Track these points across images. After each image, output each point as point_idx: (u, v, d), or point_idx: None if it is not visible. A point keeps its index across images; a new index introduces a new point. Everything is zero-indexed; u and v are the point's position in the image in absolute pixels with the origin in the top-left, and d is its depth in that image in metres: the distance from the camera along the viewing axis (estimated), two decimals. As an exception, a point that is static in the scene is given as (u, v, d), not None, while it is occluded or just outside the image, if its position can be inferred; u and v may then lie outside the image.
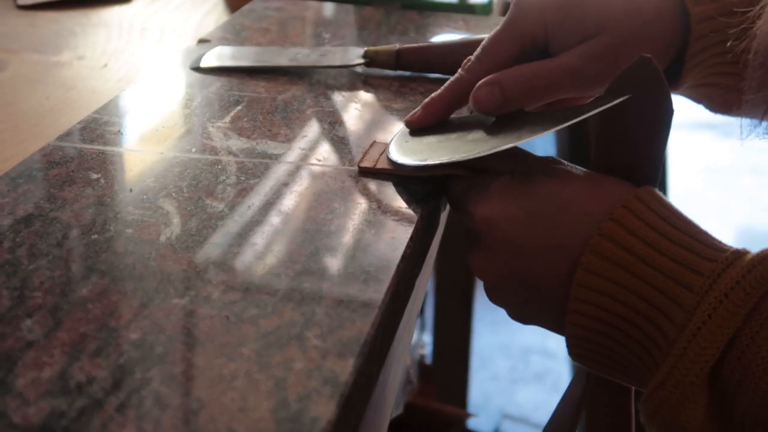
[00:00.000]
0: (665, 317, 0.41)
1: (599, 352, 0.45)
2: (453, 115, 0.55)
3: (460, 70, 0.53)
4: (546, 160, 0.49)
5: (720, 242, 0.43)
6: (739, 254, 0.41)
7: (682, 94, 0.57)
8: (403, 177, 0.50)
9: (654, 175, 0.47)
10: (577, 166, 0.48)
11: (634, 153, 0.47)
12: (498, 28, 0.53)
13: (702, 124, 3.37)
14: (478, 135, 0.50)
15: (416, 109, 0.54)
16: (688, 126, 3.34)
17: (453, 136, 0.51)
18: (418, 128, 0.54)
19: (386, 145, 0.53)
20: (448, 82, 0.54)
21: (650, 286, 0.42)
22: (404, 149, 0.52)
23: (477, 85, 0.51)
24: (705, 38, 0.51)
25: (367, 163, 0.51)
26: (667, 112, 0.46)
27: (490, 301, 0.50)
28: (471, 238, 0.49)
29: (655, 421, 0.42)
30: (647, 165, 0.47)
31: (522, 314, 0.49)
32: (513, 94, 0.50)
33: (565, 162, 0.49)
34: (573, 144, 1.36)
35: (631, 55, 0.47)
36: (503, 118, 0.51)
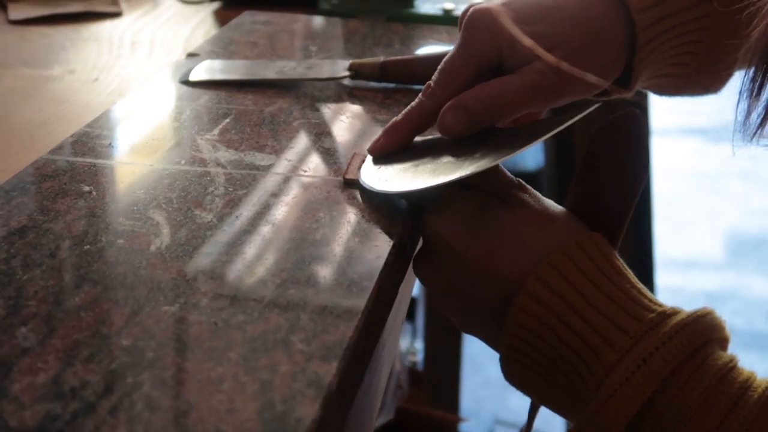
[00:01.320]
0: (586, 368, 0.43)
1: (529, 385, 0.46)
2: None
3: (420, 96, 0.53)
4: (512, 184, 0.49)
5: (651, 301, 0.44)
6: (666, 316, 0.42)
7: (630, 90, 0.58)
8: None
9: (619, 224, 0.48)
10: (540, 197, 0.49)
11: (605, 199, 0.48)
12: (452, 51, 0.52)
13: (690, 130, 3.39)
14: (450, 157, 0.50)
15: (378, 136, 0.54)
16: (677, 131, 3.36)
17: (425, 160, 0.51)
18: (381, 155, 0.54)
19: (365, 155, 0.55)
20: (408, 108, 0.54)
21: (576, 335, 0.43)
22: (378, 175, 0.52)
23: (442, 110, 0.50)
24: (651, 42, 0.51)
25: (351, 175, 0.53)
26: (644, 167, 0.48)
27: (434, 305, 0.51)
28: (423, 243, 0.51)
29: None
30: (615, 212, 0.48)
31: (463, 324, 0.51)
32: (479, 115, 0.50)
33: (531, 191, 0.49)
34: (560, 153, 1.37)
35: (584, 66, 0.48)
36: (471, 138, 0.51)
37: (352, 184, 0.52)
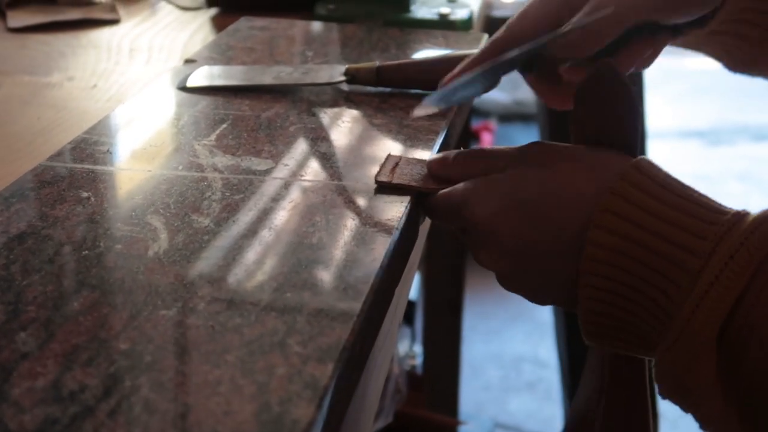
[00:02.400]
0: (671, 282, 0.43)
1: (610, 324, 0.46)
2: None
3: (499, 30, 0.55)
4: (529, 148, 0.50)
5: (720, 205, 0.44)
6: (740, 216, 0.43)
7: (701, 47, 0.57)
8: (397, 190, 0.52)
9: (632, 147, 0.49)
10: (561, 144, 0.50)
11: (609, 133, 0.49)
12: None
13: (690, 132, 3.40)
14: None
15: (455, 70, 0.56)
16: (676, 134, 3.37)
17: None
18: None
19: (399, 157, 0.56)
20: (487, 42, 0.56)
21: (654, 254, 0.43)
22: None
23: None
24: None
25: (384, 177, 0.53)
26: (631, 102, 0.49)
27: (504, 288, 0.51)
28: (471, 237, 0.51)
29: (666, 381, 0.43)
30: (624, 140, 0.49)
31: (536, 297, 0.51)
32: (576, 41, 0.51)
33: (550, 144, 0.50)
34: (554, 137, 1.38)
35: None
36: None
37: (383, 187, 0.53)
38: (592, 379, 0.54)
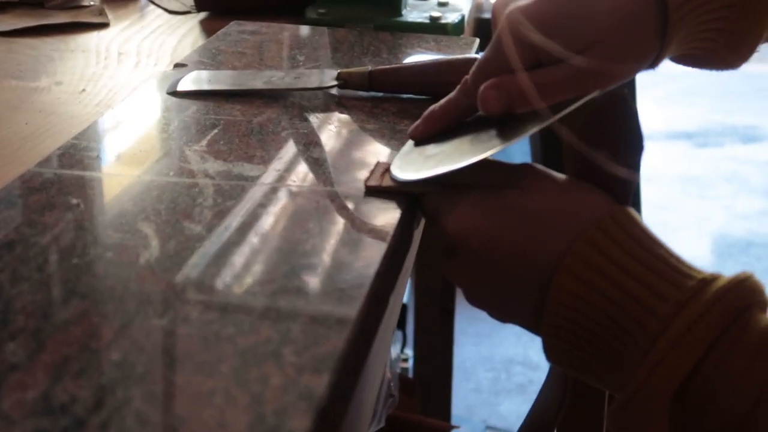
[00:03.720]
0: (631, 338, 0.43)
1: (571, 361, 0.47)
2: None
3: (457, 90, 0.55)
4: (519, 169, 0.50)
5: (689, 268, 0.44)
6: (706, 282, 0.43)
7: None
8: (387, 193, 0.52)
9: (627, 192, 0.49)
10: (552, 173, 0.50)
11: (607, 173, 0.49)
12: (489, 49, 0.53)
13: (678, 134, 3.41)
14: (473, 141, 0.52)
15: (418, 122, 0.56)
16: (664, 136, 3.38)
17: (450, 145, 0.54)
18: (420, 139, 0.56)
19: (389, 164, 0.55)
20: (445, 100, 0.56)
21: (617, 307, 0.44)
22: (405, 161, 0.54)
23: (483, 86, 0.51)
24: (681, 21, 0.51)
25: (373, 182, 0.53)
26: (638, 144, 0.49)
27: (470, 304, 0.52)
28: (445, 247, 0.51)
29: None
30: (619, 184, 0.49)
31: (500, 316, 0.51)
32: (518, 99, 0.50)
33: (541, 169, 0.50)
34: (546, 149, 1.38)
35: (624, 59, 0.49)
36: (495, 121, 0.53)
37: (373, 192, 0.52)
38: (554, 386, 0.54)
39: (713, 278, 0.43)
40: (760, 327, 0.42)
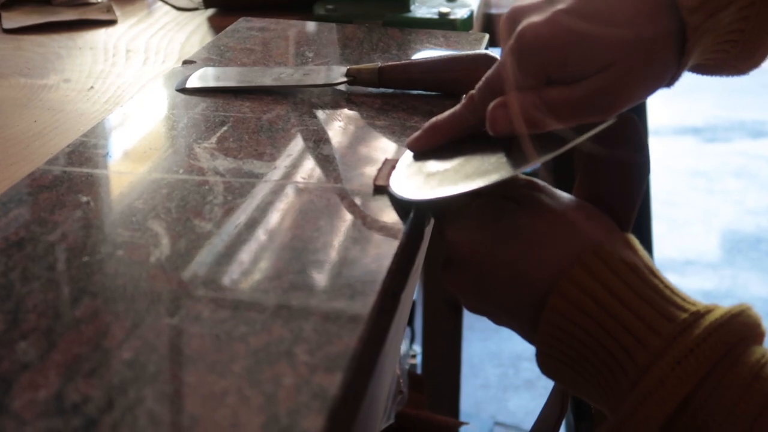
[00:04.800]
0: (620, 367, 0.43)
1: (564, 379, 0.47)
2: None
3: (461, 107, 0.53)
4: (527, 186, 0.50)
5: (684, 300, 0.44)
6: (699, 316, 0.43)
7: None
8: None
9: (627, 219, 0.49)
10: (555, 192, 0.49)
11: (611, 196, 0.49)
12: (498, 65, 0.51)
13: (686, 129, 3.40)
14: (478, 163, 0.51)
15: (418, 132, 0.55)
16: (672, 131, 3.37)
17: (454, 163, 0.52)
18: (418, 152, 0.55)
19: (396, 160, 0.55)
20: (450, 114, 0.54)
21: (609, 335, 0.44)
22: (406, 176, 0.53)
23: (494, 105, 0.49)
24: (699, 40, 0.49)
25: (381, 181, 0.53)
26: (645, 168, 0.49)
27: (468, 310, 0.52)
28: (445, 253, 0.51)
29: None
30: (622, 208, 0.49)
31: (497, 322, 0.52)
32: (527, 120, 0.49)
33: (547, 189, 0.49)
34: (558, 162, 1.37)
35: (638, 82, 0.47)
36: (501, 141, 0.51)
37: (381, 191, 0.52)
38: (556, 391, 0.55)
39: (707, 311, 0.43)
40: (751, 362, 0.42)
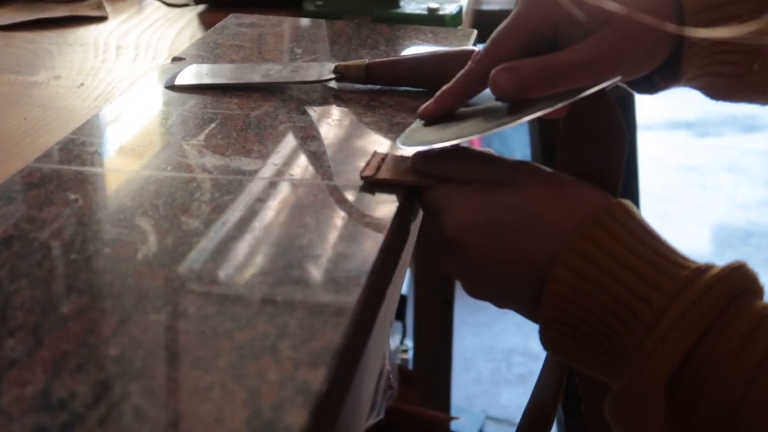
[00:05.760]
0: (626, 328, 0.44)
1: (568, 351, 0.48)
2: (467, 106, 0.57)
3: (470, 62, 0.55)
4: (517, 166, 0.50)
5: (684, 259, 0.45)
6: (700, 272, 0.43)
7: (683, 85, 0.58)
8: (383, 185, 0.53)
9: (613, 188, 0.50)
10: (546, 170, 0.50)
11: (592, 166, 0.49)
12: (508, 19, 0.53)
13: (678, 123, 3.41)
14: (481, 118, 0.53)
15: (429, 101, 0.56)
16: (664, 125, 3.38)
17: (460, 122, 0.54)
18: (431, 119, 0.56)
19: (386, 154, 0.56)
20: (458, 74, 0.55)
21: (613, 298, 0.44)
22: (411, 138, 0.54)
23: (496, 69, 0.51)
24: (697, 19, 0.51)
25: (368, 173, 0.53)
26: (620, 134, 0.49)
27: (469, 296, 0.53)
28: (444, 242, 0.51)
29: (617, 423, 0.44)
30: (606, 178, 0.50)
31: (499, 305, 0.52)
32: (532, 81, 0.51)
33: (536, 166, 0.50)
34: (545, 142, 1.38)
35: (638, 44, 0.49)
36: (506, 105, 0.53)
37: (369, 183, 0.53)
38: (550, 374, 0.55)
39: (707, 268, 0.44)
40: (752, 313, 0.42)
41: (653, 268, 0.44)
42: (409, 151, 0.54)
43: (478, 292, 0.52)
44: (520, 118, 0.49)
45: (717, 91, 0.57)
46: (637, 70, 0.53)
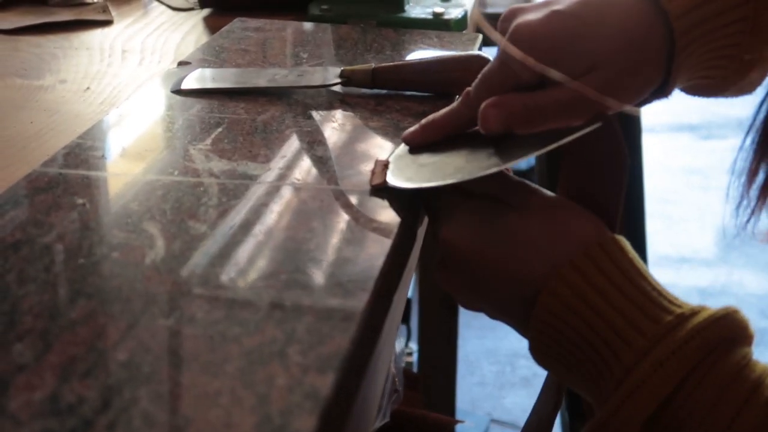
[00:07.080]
0: (606, 365, 0.44)
1: (556, 371, 0.49)
2: None
3: (459, 103, 0.55)
4: (518, 187, 0.50)
5: (671, 302, 0.45)
6: (684, 318, 0.44)
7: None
8: (395, 193, 0.53)
9: (613, 215, 0.50)
10: (544, 192, 0.50)
11: (593, 193, 0.50)
12: (494, 62, 0.53)
13: (681, 126, 3.41)
14: (468, 157, 0.52)
15: (415, 127, 0.56)
16: (667, 128, 3.38)
17: (445, 156, 0.53)
18: (415, 146, 0.56)
19: (387, 161, 0.56)
20: (447, 110, 0.56)
21: (597, 335, 0.45)
22: (399, 168, 0.54)
23: (484, 104, 0.51)
24: (689, 46, 0.51)
25: (376, 181, 0.53)
26: (622, 163, 0.50)
27: (462, 307, 0.53)
28: (439, 252, 0.52)
29: None
30: (606, 205, 0.50)
31: (492, 317, 0.53)
32: (517, 120, 0.51)
33: (538, 191, 0.50)
34: (550, 152, 1.38)
35: (625, 86, 0.49)
36: (493, 139, 0.52)
37: (379, 191, 0.53)
38: (551, 382, 0.56)
39: (692, 314, 0.44)
40: (731, 363, 0.42)
41: (638, 310, 0.44)
42: (397, 187, 0.52)
43: (468, 303, 0.53)
44: (507, 161, 0.49)
45: (699, 92, 0.57)
46: (629, 102, 0.53)
